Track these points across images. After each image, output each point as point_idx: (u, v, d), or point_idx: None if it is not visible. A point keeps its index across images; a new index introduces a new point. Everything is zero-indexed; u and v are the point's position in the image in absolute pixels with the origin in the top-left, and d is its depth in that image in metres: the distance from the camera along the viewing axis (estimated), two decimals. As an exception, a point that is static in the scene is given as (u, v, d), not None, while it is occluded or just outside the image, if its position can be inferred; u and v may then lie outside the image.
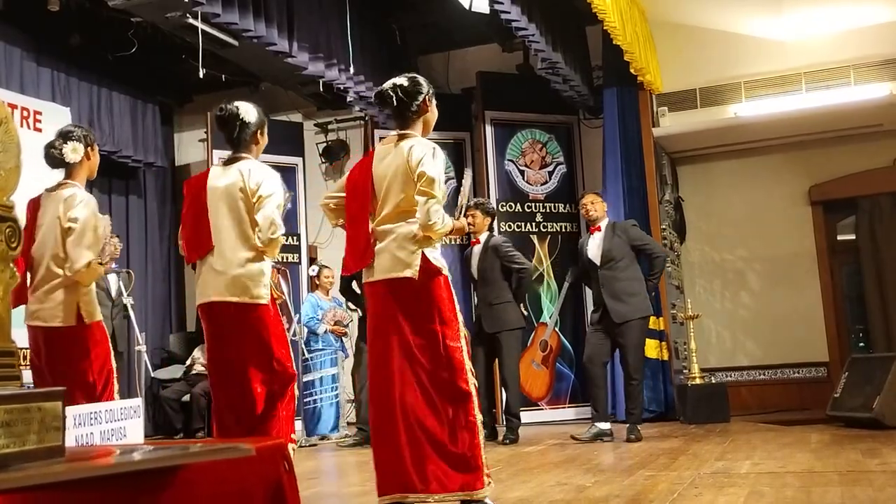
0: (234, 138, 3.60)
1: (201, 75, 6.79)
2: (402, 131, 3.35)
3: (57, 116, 7.64)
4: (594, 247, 6.24)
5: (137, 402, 2.28)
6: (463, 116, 8.96)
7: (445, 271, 3.29)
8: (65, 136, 3.88)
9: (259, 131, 3.65)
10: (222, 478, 1.67)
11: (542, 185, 8.61)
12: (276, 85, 8.96)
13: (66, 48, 8.01)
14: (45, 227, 3.82)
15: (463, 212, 3.69)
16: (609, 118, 8.03)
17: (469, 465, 3.12)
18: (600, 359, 6.14)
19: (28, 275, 3.85)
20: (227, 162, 3.62)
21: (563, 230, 8.58)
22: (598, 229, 6.27)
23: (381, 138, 8.54)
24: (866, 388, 6.05)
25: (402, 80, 3.36)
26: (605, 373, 6.26)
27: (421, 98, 3.35)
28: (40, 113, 7.53)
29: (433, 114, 3.44)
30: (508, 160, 8.53)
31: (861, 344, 8.59)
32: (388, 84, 3.37)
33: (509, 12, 6.44)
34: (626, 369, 6.11)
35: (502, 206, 8.24)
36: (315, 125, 9.58)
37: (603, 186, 7.91)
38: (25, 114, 7.42)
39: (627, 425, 6.01)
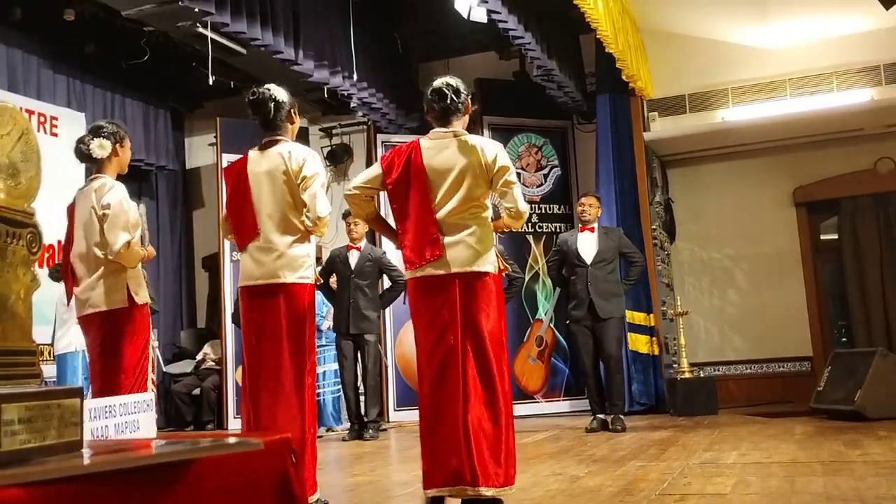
0: (269, 120, 3.54)
1: (211, 82, 6.91)
2: (454, 129, 3.39)
3: (72, 122, 7.78)
4: (586, 245, 6.53)
5: (150, 396, 2.41)
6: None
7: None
8: (95, 131, 3.94)
9: (293, 110, 3.61)
10: (232, 471, 1.66)
11: (537, 187, 8.81)
12: (281, 91, 9.13)
13: (81, 56, 8.11)
14: (83, 223, 3.90)
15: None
16: (602, 123, 8.18)
17: (509, 459, 3.18)
18: (593, 355, 6.46)
19: (72, 275, 3.93)
20: (265, 146, 3.55)
21: (558, 230, 8.73)
22: (591, 230, 6.57)
23: (384, 142, 8.88)
24: (848, 381, 6.15)
25: (451, 80, 3.44)
26: (598, 368, 6.54)
27: (465, 96, 3.43)
28: (56, 118, 7.68)
29: (468, 116, 3.50)
30: (505, 163, 8.74)
31: (844, 339, 8.73)
32: (440, 82, 3.43)
33: (506, 21, 6.55)
34: (608, 364, 6.42)
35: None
36: (320, 130, 9.67)
37: (596, 188, 8.06)
38: (42, 119, 7.55)
39: (611, 416, 6.31)
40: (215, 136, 8.84)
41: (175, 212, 9.78)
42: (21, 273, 1.74)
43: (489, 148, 3.31)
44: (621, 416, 6.32)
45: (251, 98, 3.57)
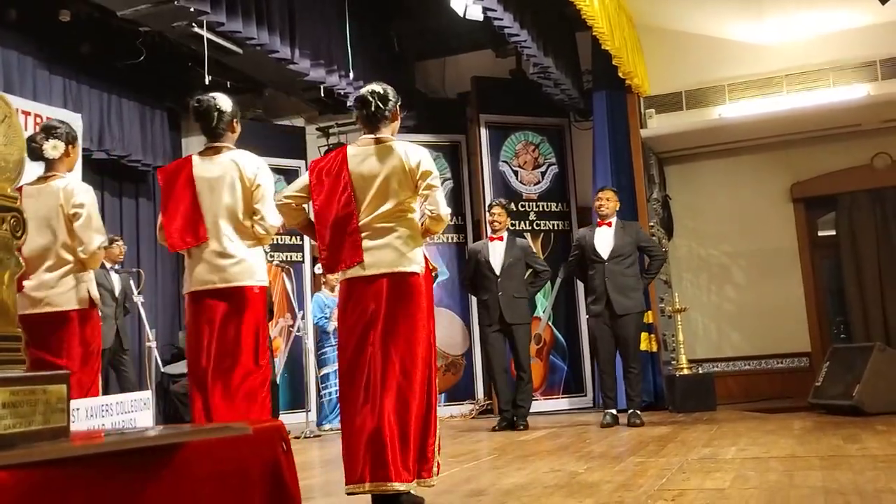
0: (212, 128, 3.63)
1: (207, 82, 6.90)
2: (378, 135, 3.45)
3: (69, 123, 7.86)
4: (603, 240, 6.55)
5: (147, 395, 2.41)
6: (459, 120, 9.15)
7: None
8: (48, 131, 3.96)
9: (234, 120, 3.70)
10: (220, 457, 1.69)
11: (535, 185, 8.82)
12: (278, 91, 9.09)
13: (77, 57, 8.12)
14: (41, 219, 3.85)
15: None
16: (599, 120, 8.18)
17: (430, 457, 3.24)
18: (610, 350, 6.52)
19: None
20: (209, 152, 3.63)
21: (556, 228, 8.80)
22: (609, 224, 6.59)
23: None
24: (847, 376, 6.17)
25: (379, 88, 3.49)
26: (614, 363, 6.61)
27: (392, 104, 3.49)
28: (52, 119, 7.75)
29: (398, 121, 3.59)
30: (503, 161, 8.74)
31: (842, 336, 8.74)
32: (366, 89, 3.49)
33: (502, 19, 6.55)
34: (626, 359, 6.49)
35: (492, 202, 8.43)
36: (317, 129, 9.67)
37: (593, 186, 8.09)
38: (38, 120, 7.47)
39: (629, 411, 6.35)
40: (213, 137, 8.83)
41: (172, 212, 9.73)
42: (4, 258, 1.73)
43: (413, 153, 3.40)
44: (638, 411, 6.35)
45: (195, 105, 3.66)
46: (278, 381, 7.74)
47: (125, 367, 7.42)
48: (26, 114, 7.41)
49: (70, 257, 3.84)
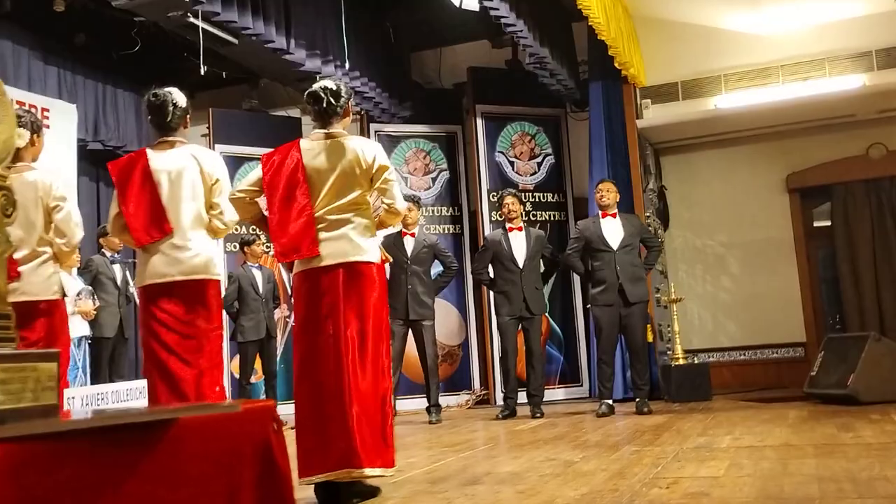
0: (167, 122, 3.64)
1: (202, 72, 6.93)
2: (331, 130, 3.51)
3: (64, 113, 7.77)
4: (611, 230, 6.64)
5: (142, 384, 2.39)
6: (454, 110, 9.15)
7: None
8: None
9: (187, 115, 3.75)
10: (211, 436, 1.70)
11: (531, 175, 8.83)
12: (274, 81, 9.12)
13: (72, 47, 8.09)
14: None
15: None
16: (595, 111, 8.18)
17: (386, 445, 3.29)
18: (614, 340, 6.65)
19: None
20: (163, 145, 3.64)
21: (552, 219, 8.81)
22: (614, 215, 6.70)
23: (377, 132, 8.89)
24: (841, 366, 6.19)
25: (330, 84, 3.56)
26: (614, 353, 6.75)
27: (344, 100, 3.55)
28: (48, 110, 7.61)
29: (350, 117, 3.65)
30: (499, 152, 8.74)
31: (837, 326, 8.77)
32: (318, 85, 3.56)
33: (498, 9, 6.55)
34: (634, 347, 6.61)
35: (493, 196, 8.46)
36: (312, 120, 9.72)
37: (590, 176, 8.12)
38: (33, 111, 7.60)
39: (637, 399, 6.46)
40: (208, 127, 8.85)
41: (168, 203, 9.74)
42: (-7, 236, 1.72)
43: (368, 149, 3.49)
44: (646, 399, 6.46)
45: (151, 100, 3.66)
46: (275, 372, 7.74)
47: (123, 356, 7.43)
48: (21, 104, 7.35)
49: (45, 249, 3.81)
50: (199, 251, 3.54)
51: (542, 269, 7.16)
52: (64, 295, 3.90)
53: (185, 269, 3.50)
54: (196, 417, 1.68)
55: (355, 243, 3.39)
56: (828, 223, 8.97)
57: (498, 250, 6.94)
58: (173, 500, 1.58)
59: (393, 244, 6.97)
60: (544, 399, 6.94)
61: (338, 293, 3.34)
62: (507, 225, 7.07)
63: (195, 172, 3.56)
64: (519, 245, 6.90)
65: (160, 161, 3.58)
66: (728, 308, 8.99)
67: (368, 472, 3.20)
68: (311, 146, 3.50)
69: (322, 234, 3.40)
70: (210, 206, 3.60)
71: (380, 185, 3.47)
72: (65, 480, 1.38)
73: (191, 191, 3.56)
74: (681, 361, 7.41)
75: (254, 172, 3.59)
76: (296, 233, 3.42)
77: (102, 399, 1.94)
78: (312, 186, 3.44)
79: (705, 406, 6.69)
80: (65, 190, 3.88)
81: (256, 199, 3.59)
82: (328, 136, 3.50)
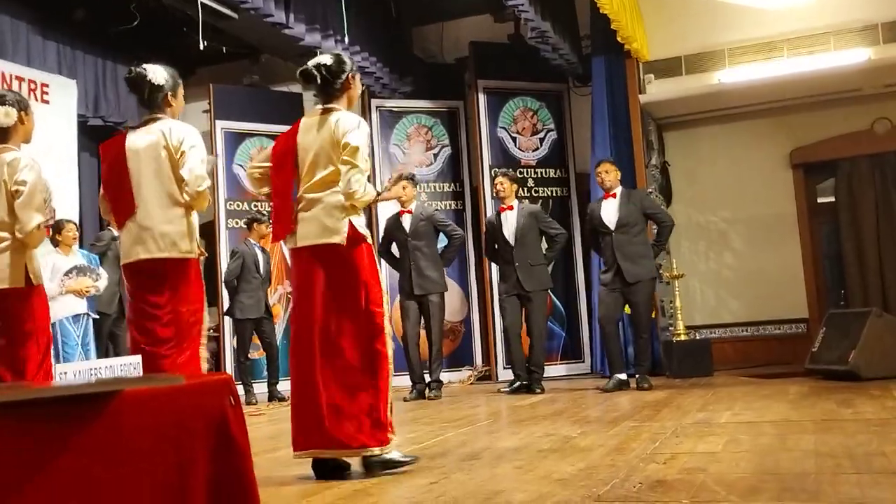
0: (145, 100, 3.54)
1: (202, 47, 6.90)
2: (329, 105, 3.43)
3: (64, 89, 7.75)
4: (609, 212, 6.65)
5: (137, 359, 2.36)
6: (456, 86, 9.10)
7: (369, 239, 3.39)
8: None
9: (171, 94, 3.57)
10: (156, 409, 1.65)
11: (533, 151, 8.80)
12: (275, 56, 9.08)
13: (71, 22, 8.03)
14: None
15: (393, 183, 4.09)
16: (597, 86, 8.13)
17: (373, 423, 3.22)
18: (614, 317, 6.65)
19: None
20: (143, 124, 3.55)
21: (554, 195, 8.79)
22: (613, 196, 6.67)
23: (378, 107, 8.85)
24: (843, 342, 6.19)
25: (326, 59, 3.44)
26: (619, 329, 6.78)
27: (344, 76, 3.44)
28: (47, 85, 7.61)
29: (356, 90, 3.54)
30: (501, 127, 8.71)
31: (841, 302, 8.75)
32: (311, 62, 3.44)
33: (500, -17, 6.53)
34: (637, 325, 6.64)
35: (495, 172, 8.44)
36: (314, 96, 9.69)
37: (592, 152, 8.07)
38: (33, 86, 7.46)
39: (637, 376, 6.48)
40: (209, 103, 8.82)
41: (169, 179, 9.72)
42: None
43: (343, 125, 3.33)
44: (646, 375, 6.47)
45: (127, 76, 3.57)
46: (278, 346, 7.78)
47: (122, 333, 7.45)
48: (20, 79, 7.37)
49: (6, 234, 3.71)
50: (164, 229, 3.41)
51: (548, 245, 7.07)
52: (29, 283, 3.76)
53: (150, 248, 3.41)
54: (140, 390, 1.64)
55: (324, 225, 3.30)
56: (832, 199, 8.94)
57: (494, 231, 7.03)
58: (115, 475, 1.53)
59: (392, 224, 7.01)
60: (546, 375, 6.96)
61: (309, 276, 3.32)
62: (499, 205, 7.10)
63: (160, 148, 3.42)
64: (509, 224, 6.91)
65: (134, 140, 3.50)
66: (730, 284, 8.99)
67: (364, 452, 3.22)
68: (306, 122, 3.46)
69: (300, 214, 3.37)
70: (178, 179, 3.43)
71: (340, 165, 3.31)
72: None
73: (154, 167, 3.43)
74: (682, 337, 7.43)
75: (269, 147, 3.61)
76: (277, 212, 3.47)
77: (96, 374, 1.91)
78: (301, 165, 3.41)
79: (706, 382, 6.70)
80: (29, 174, 3.71)
81: (269, 174, 3.56)
82: (323, 112, 3.43)
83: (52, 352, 3.97)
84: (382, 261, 6.66)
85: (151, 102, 3.54)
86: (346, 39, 7.41)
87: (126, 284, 3.53)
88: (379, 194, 3.55)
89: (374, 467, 3.25)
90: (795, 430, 3.77)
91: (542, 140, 8.85)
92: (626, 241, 6.54)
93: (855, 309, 7.58)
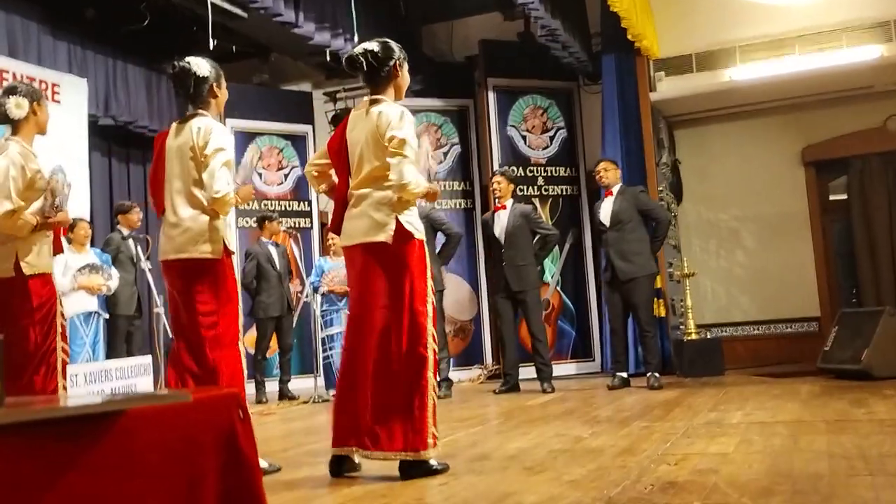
0: (190, 94, 3.47)
1: (212, 47, 6.89)
2: (374, 97, 3.34)
3: (74, 88, 7.73)
4: (605, 210, 6.70)
5: (147, 360, 2.33)
6: (466, 84, 9.09)
7: (419, 235, 3.28)
8: (9, 91, 3.78)
9: (216, 84, 3.51)
10: (166, 425, 1.64)
11: (543, 149, 8.76)
12: (284, 55, 9.09)
13: (82, 22, 8.03)
14: None
15: (431, 175, 3.79)
16: (608, 84, 8.11)
17: (414, 426, 3.13)
18: (618, 315, 6.68)
19: None
20: (184, 119, 3.49)
21: (564, 193, 8.76)
22: (611, 193, 6.72)
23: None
24: (856, 341, 6.15)
25: (373, 46, 3.34)
26: (624, 328, 6.80)
27: (392, 63, 3.34)
28: (58, 85, 7.59)
29: (405, 79, 3.42)
30: (511, 126, 8.68)
31: (853, 300, 8.70)
32: (358, 49, 3.34)
33: (509, -20, 6.52)
34: (639, 323, 6.64)
35: (493, 171, 8.39)
36: (324, 94, 9.64)
37: (602, 150, 8.03)
38: (44, 86, 7.42)
39: (647, 374, 6.45)
40: (218, 102, 8.80)
41: (180, 178, 9.73)
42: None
43: (386, 115, 3.24)
44: (656, 374, 6.43)
45: (171, 72, 3.51)
46: (290, 346, 7.79)
47: (139, 332, 7.46)
48: (31, 79, 7.33)
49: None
50: (187, 227, 3.36)
51: (541, 245, 6.97)
52: (20, 272, 3.73)
53: (175, 247, 3.38)
54: (148, 407, 1.62)
55: (371, 222, 3.23)
56: (844, 197, 8.88)
57: (487, 230, 7.04)
58: (124, 492, 1.52)
59: None
60: (556, 374, 6.95)
61: (358, 274, 3.29)
62: (494, 204, 7.08)
63: (187, 147, 3.38)
64: (501, 223, 6.88)
65: (172, 136, 3.48)
66: (742, 282, 8.94)
67: (392, 455, 3.15)
68: (354, 115, 3.37)
69: (349, 211, 3.30)
70: (201, 181, 3.38)
71: (388, 158, 3.21)
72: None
73: (181, 166, 3.40)
74: (693, 336, 7.40)
75: (325, 145, 3.54)
76: (334, 210, 3.41)
77: (106, 376, 1.91)
78: (350, 159, 3.33)
79: (717, 381, 6.67)
80: (3, 160, 3.67)
81: (323, 172, 3.52)
82: (370, 103, 3.33)
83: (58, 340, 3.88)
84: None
85: (196, 96, 3.48)
86: (356, 38, 7.41)
87: (165, 281, 3.53)
88: (429, 188, 3.38)
89: (411, 472, 3.15)
90: (808, 431, 3.75)
91: (552, 138, 8.82)
92: (619, 238, 6.56)
93: (868, 308, 7.53)
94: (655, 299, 7.69)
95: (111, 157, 8.87)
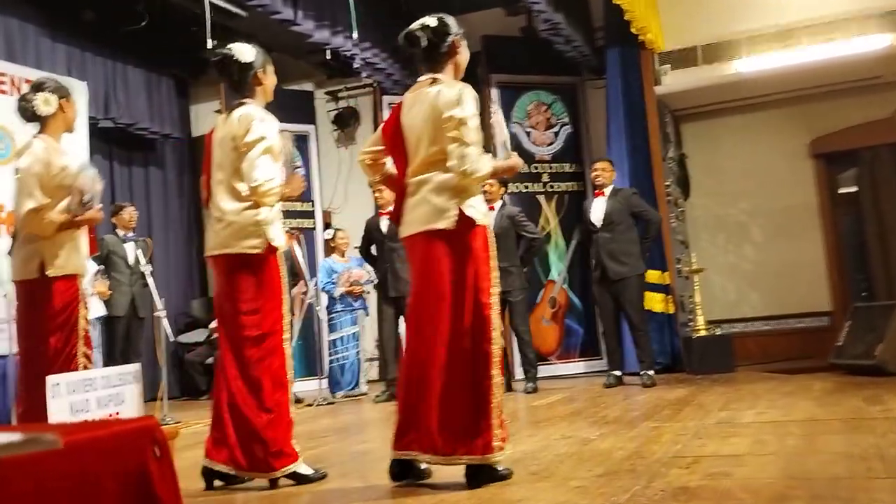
0: (235, 82, 3.35)
1: (210, 46, 6.85)
2: (433, 75, 3.14)
3: (75, 91, 7.69)
4: (597, 210, 6.74)
5: (135, 368, 2.23)
6: (468, 80, 8.95)
7: (483, 221, 3.06)
8: (37, 87, 3.71)
9: (261, 71, 3.36)
10: (46, 472, 1.42)
11: (547, 145, 8.68)
12: (285, 55, 9.01)
13: (80, 24, 8.02)
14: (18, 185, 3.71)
15: (508, 147, 3.36)
16: (612, 78, 8.03)
17: (478, 428, 2.93)
18: (610, 315, 6.72)
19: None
20: (230, 109, 3.36)
21: (570, 190, 8.65)
22: (602, 194, 6.75)
23: (390, 104, 8.75)
24: (868, 336, 6.10)
25: (431, 21, 3.16)
26: (617, 327, 6.78)
27: (450, 39, 3.15)
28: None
29: (464, 56, 3.23)
30: (514, 122, 8.58)
31: (864, 294, 8.59)
32: (416, 24, 3.16)
33: (511, -25, 6.47)
34: (630, 322, 6.64)
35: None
36: (326, 93, 9.60)
37: (607, 146, 7.97)
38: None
39: (640, 373, 6.46)
40: (220, 103, 8.77)
41: (182, 180, 9.78)
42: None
43: (444, 97, 3.03)
44: (649, 372, 6.45)
45: (214, 60, 3.37)
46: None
47: (138, 335, 7.39)
48: (29, 82, 7.30)
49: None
50: (230, 221, 3.23)
51: (526, 248, 6.79)
52: (43, 274, 3.66)
53: (219, 242, 3.27)
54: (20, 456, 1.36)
55: (431, 209, 3.02)
56: (854, 189, 8.79)
57: None
58: None
59: (371, 225, 7.05)
60: (564, 373, 6.93)
61: (420, 266, 3.08)
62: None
63: (229, 138, 3.26)
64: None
65: (220, 127, 3.36)
66: (751, 277, 8.86)
67: (454, 459, 2.94)
68: (409, 98, 3.17)
69: (408, 201, 3.10)
70: (241, 172, 3.23)
71: (446, 144, 2.99)
72: None
73: (223, 157, 3.29)
74: (703, 333, 7.32)
75: (378, 131, 3.35)
76: (396, 199, 3.23)
77: (91, 385, 1.81)
78: (407, 144, 3.14)
79: (728, 378, 6.59)
80: (28, 158, 3.63)
81: (377, 160, 3.33)
82: (425, 84, 3.13)
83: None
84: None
85: (241, 83, 3.35)
86: (356, 35, 7.36)
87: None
88: (495, 167, 3.15)
89: (479, 477, 2.95)
90: (823, 430, 3.67)
91: (556, 134, 8.73)
92: (609, 239, 6.61)
93: (880, 302, 7.44)
94: (665, 296, 7.65)
95: (112, 160, 8.83)
